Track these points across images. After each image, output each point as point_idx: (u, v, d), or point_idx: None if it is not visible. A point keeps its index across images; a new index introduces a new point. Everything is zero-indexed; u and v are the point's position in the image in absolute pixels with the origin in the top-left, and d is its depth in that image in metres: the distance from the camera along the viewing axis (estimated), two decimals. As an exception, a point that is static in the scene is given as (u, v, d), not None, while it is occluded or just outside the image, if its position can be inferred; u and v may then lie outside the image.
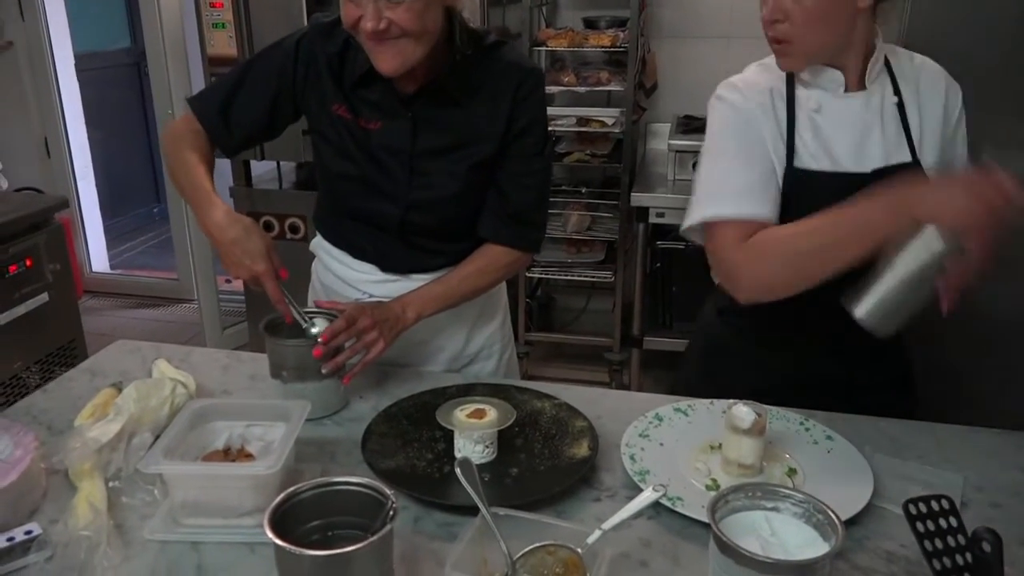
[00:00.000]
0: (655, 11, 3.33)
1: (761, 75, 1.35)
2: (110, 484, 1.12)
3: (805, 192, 1.28)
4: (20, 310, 2.68)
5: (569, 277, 3.39)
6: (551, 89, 3.16)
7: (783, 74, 1.32)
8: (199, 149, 1.44)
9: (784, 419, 1.27)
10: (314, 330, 1.31)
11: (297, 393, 1.30)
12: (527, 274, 3.35)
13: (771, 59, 1.32)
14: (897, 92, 1.31)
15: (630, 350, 3.29)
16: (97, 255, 4.69)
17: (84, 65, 4.54)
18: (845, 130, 1.30)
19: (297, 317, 1.32)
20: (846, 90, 1.30)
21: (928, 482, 1.13)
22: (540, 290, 3.72)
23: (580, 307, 3.77)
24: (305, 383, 1.31)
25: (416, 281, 1.49)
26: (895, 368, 1.45)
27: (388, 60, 1.28)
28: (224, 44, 3.05)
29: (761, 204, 1.27)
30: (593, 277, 3.32)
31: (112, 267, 4.81)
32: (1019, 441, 1.26)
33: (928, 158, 1.31)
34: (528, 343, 3.48)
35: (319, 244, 1.65)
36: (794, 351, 1.39)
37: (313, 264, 1.71)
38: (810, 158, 1.29)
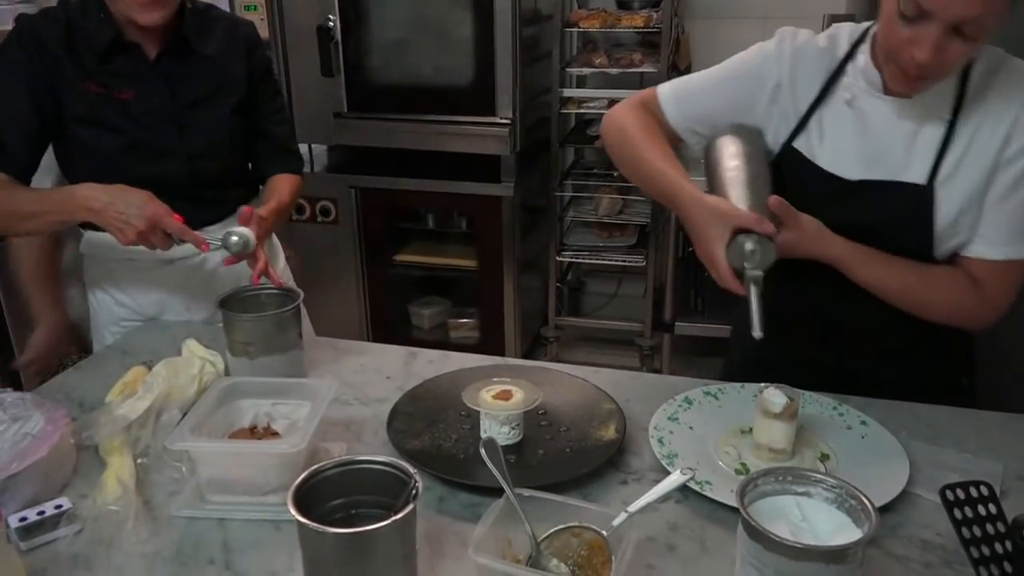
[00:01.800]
0: (689, -9, 3.27)
1: (840, 38, 1.28)
2: (139, 461, 1.13)
3: (788, 174, 1.26)
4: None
5: (600, 261, 3.35)
6: (582, 70, 3.12)
7: (853, 42, 1.26)
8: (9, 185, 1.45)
9: (817, 404, 1.24)
10: (233, 239, 1.39)
11: (265, 367, 1.31)
12: (558, 258, 3.32)
13: (848, 28, 1.28)
14: (956, 111, 1.18)
15: (661, 335, 3.26)
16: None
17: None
18: (861, 130, 1.23)
19: (213, 240, 1.41)
20: (885, 92, 1.21)
21: (966, 470, 1.09)
22: (571, 274, 3.69)
23: (611, 292, 3.74)
24: (273, 356, 1.31)
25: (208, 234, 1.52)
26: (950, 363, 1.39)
27: (154, 14, 1.42)
28: (257, 27, 3.05)
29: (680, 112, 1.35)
30: (624, 261, 3.28)
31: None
32: (1063, 429, 1.22)
33: (958, 190, 1.18)
34: (558, 327, 3.46)
35: (96, 239, 1.60)
36: (833, 347, 1.34)
37: (86, 268, 1.70)
38: (812, 144, 1.26)
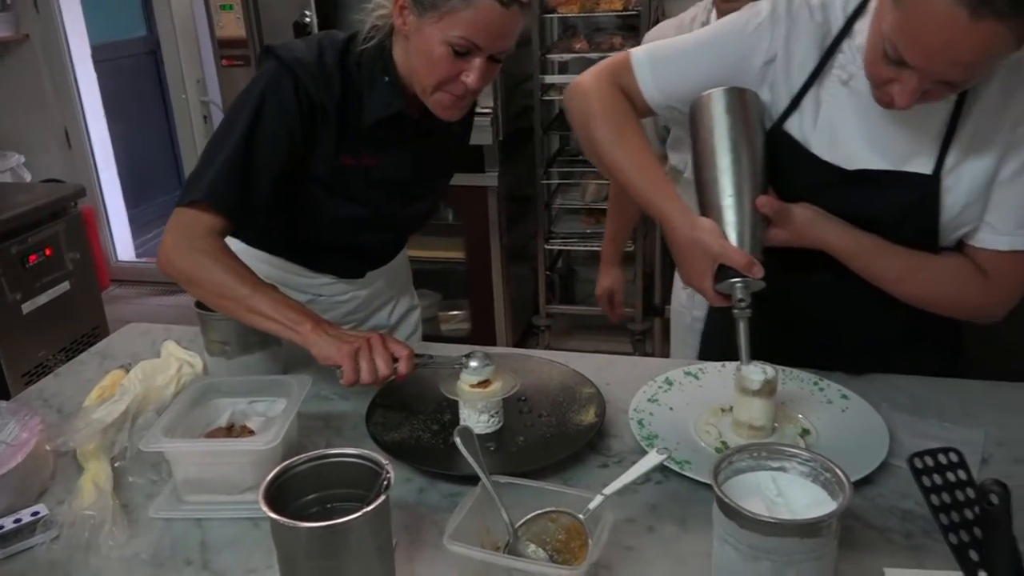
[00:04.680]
0: (668, -28, 3.25)
1: (832, 8, 1.14)
2: (116, 464, 1.12)
3: (777, 160, 1.15)
4: (42, 299, 2.72)
5: (589, 248, 3.35)
6: (563, 56, 3.11)
7: (848, 15, 1.13)
8: (228, 252, 1.26)
9: (798, 379, 1.23)
10: (473, 363, 1.16)
11: (242, 365, 1.30)
12: (546, 247, 3.31)
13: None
14: (964, 93, 1.08)
15: (652, 319, 3.26)
16: (123, 244, 4.75)
17: (101, 55, 4.56)
18: (862, 114, 1.12)
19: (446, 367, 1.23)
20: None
21: (947, 439, 1.09)
22: (560, 262, 3.68)
23: (602, 278, 3.73)
24: (251, 354, 1.30)
25: (370, 278, 1.58)
26: (935, 336, 1.32)
27: (459, 111, 1.33)
28: (233, 26, 3.05)
29: (656, 81, 1.21)
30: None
31: (138, 256, 4.86)
32: (1045, 394, 1.22)
33: (965, 179, 1.10)
34: (549, 316, 3.45)
35: (243, 252, 1.44)
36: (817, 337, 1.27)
37: None
38: (805, 128, 1.16)
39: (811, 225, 1.14)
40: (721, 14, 1.54)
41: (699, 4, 1.88)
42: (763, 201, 1.11)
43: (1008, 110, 1.08)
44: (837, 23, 1.14)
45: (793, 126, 1.16)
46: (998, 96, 1.07)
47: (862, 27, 1.10)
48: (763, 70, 1.16)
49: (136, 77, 5.43)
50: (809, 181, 1.15)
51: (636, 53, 1.23)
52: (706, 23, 1.78)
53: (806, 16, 1.14)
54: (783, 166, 1.16)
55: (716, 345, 1.44)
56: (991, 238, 1.13)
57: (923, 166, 1.12)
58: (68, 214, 2.84)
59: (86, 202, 3.02)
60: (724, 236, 1.10)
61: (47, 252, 2.73)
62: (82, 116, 4.37)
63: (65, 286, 2.80)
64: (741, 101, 1.15)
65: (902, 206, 1.13)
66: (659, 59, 1.21)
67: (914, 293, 1.18)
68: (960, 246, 1.17)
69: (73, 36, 4.27)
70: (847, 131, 1.14)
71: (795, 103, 1.16)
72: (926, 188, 1.11)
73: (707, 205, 1.13)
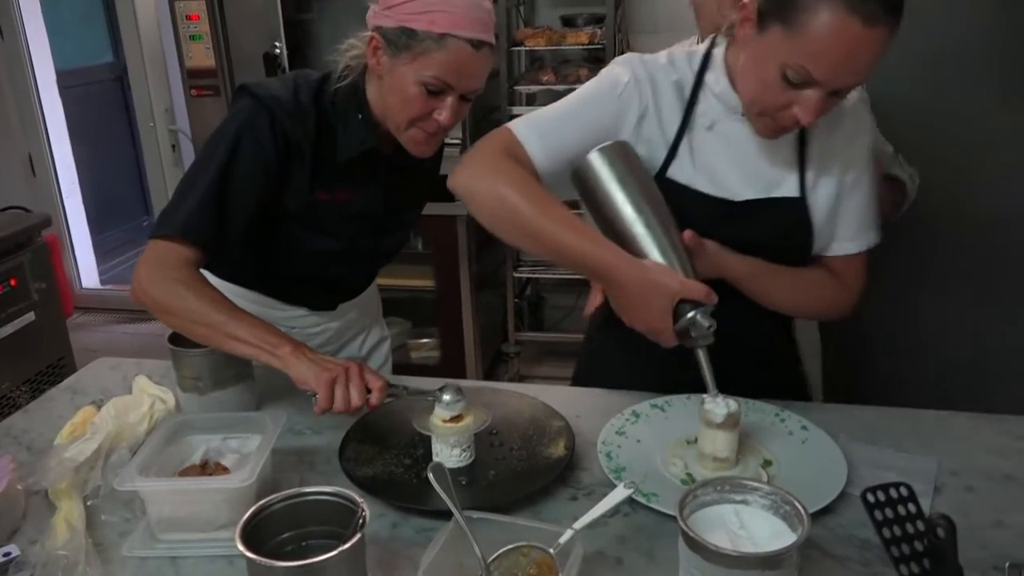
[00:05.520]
0: (632, 7, 3.33)
1: (680, 64, 1.26)
2: (88, 503, 1.12)
3: (669, 202, 1.21)
4: (6, 330, 2.69)
5: (557, 276, 3.39)
6: (531, 88, 3.16)
7: (696, 70, 1.25)
8: (203, 280, 1.29)
9: (760, 411, 1.27)
10: (446, 397, 1.17)
11: (216, 401, 1.31)
12: (515, 274, 3.35)
13: (701, 47, 1.26)
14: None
15: (620, 346, 3.29)
16: (87, 271, 4.69)
17: (67, 81, 4.53)
18: (731, 153, 1.24)
19: (420, 396, 1.24)
20: (743, 113, 1.21)
21: (903, 468, 1.13)
22: (529, 289, 3.72)
23: (571, 304, 3.77)
24: (224, 389, 1.32)
25: (342, 310, 1.61)
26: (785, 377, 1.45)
27: (431, 147, 1.38)
28: (202, 56, 3.06)
29: (544, 148, 1.21)
30: (582, 274, 3.31)
31: (103, 282, 4.81)
32: (994, 425, 1.27)
33: (821, 198, 1.25)
34: (519, 343, 3.48)
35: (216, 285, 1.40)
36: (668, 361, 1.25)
37: None
38: (687, 172, 1.24)
39: (719, 254, 1.23)
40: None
41: (685, 43, 1.91)
42: (688, 235, 1.18)
43: (840, 126, 1.24)
44: (688, 78, 1.26)
45: (676, 172, 1.25)
46: (830, 115, 1.17)
47: (712, 78, 1.24)
48: (638, 127, 1.24)
49: (102, 103, 5.40)
50: (703, 217, 1.23)
51: (517, 127, 1.23)
52: None
53: (663, 75, 1.25)
54: (674, 207, 1.21)
55: (597, 370, 1.51)
56: (840, 246, 1.29)
57: (790, 190, 1.25)
58: (34, 244, 2.82)
59: (50, 230, 2.99)
60: (676, 274, 1.14)
61: (12, 283, 2.70)
62: (47, 142, 4.34)
63: (30, 316, 2.77)
64: (623, 152, 1.20)
65: (783, 229, 1.26)
66: (542, 127, 1.23)
67: (793, 305, 1.33)
68: (814, 257, 1.31)
69: (38, 61, 4.25)
70: (723, 169, 1.25)
71: (672, 152, 1.25)
72: (797, 210, 1.25)
73: (637, 254, 1.16)
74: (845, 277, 1.31)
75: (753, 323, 1.30)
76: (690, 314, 1.12)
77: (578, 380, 1.55)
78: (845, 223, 1.28)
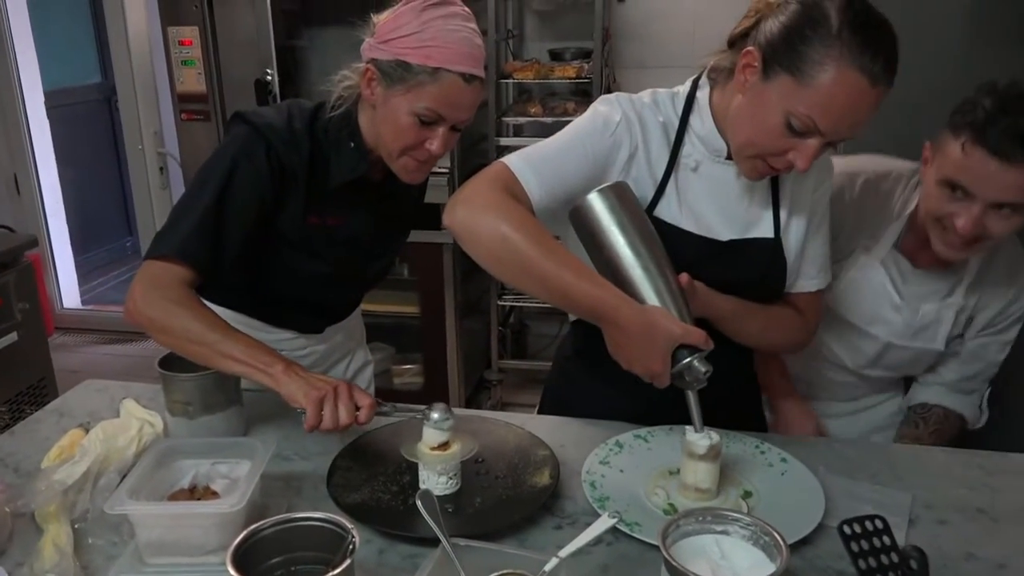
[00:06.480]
0: (619, 42, 3.40)
1: (664, 105, 1.30)
2: (76, 526, 1.13)
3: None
4: (-11, 350, 2.67)
5: (541, 305, 3.41)
6: (518, 120, 3.21)
7: (680, 113, 1.28)
8: (197, 300, 1.31)
9: (740, 442, 1.30)
10: (435, 415, 1.18)
11: (205, 426, 1.32)
12: (499, 302, 3.37)
13: (682, 89, 1.30)
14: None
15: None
16: (68, 291, 4.67)
17: (54, 101, 4.54)
18: (714, 194, 1.28)
19: (411, 416, 1.25)
20: (727, 158, 1.26)
21: (878, 501, 1.16)
22: (513, 317, 3.75)
23: (554, 333, 3.80)
24: (213, 414, 1.33)
25: (328, 333, 1.63)
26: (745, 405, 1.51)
27: (422, 175, 1.43)
28: (193, 81, 3.08)
29: (540, 183, 1.22)
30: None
31: (84, 303, 4.78)
32: (967, 459, 1.30)
33: (793, 239, 1.32)
34: (502, 370, 3.50)
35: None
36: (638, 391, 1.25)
37: None
38: (673, 211, 1.28)
39: (707, 295, 1.27)
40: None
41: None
42: (684, 279, 1.21)
43: (808, 175, 1.31)
44: (673, 120, 1.29)
45: (663, 211, 1.29)
46: (793, 175, 1.25)
47: (697, 121, 1.28)
48: (627, 166, 1.27)
49: (89, 123, 5.40)
50: (691, 256, 1.26)
51: (512, 162, 1.23)
52: None
53: (650, 115, 1.28)
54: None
55: (556, 398, 1.58)
56: (806, 283, 1.37)
57: (766, 231, 1.31)
58: (19, 264, 2.81)
59: (34, 251, 2.99)
60: (676, 319, 1.15)
61: (-5, 302, 2.70)
62: (32, 162, 4.33)
63: (13, 337, 2.76)
64: (622, 193, 1.21)
65: (762, 268, 1.32)
66: (537, 163, 1.23)
67: (765, 341, 1.40)
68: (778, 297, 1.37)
69: (27, 81, 4.26)
70: (706, 209, 1.29)
71: (660, 191, 1.29)
72: (773, 250, 1.31)
73: (634, 296, 1.17)
74: (808, 314, 1.38)
75: (730, 357, 1.32)
76: (687, 359, 1.13)
77: (544, 408, 1.59)
78: (810, 262, 1.36)
